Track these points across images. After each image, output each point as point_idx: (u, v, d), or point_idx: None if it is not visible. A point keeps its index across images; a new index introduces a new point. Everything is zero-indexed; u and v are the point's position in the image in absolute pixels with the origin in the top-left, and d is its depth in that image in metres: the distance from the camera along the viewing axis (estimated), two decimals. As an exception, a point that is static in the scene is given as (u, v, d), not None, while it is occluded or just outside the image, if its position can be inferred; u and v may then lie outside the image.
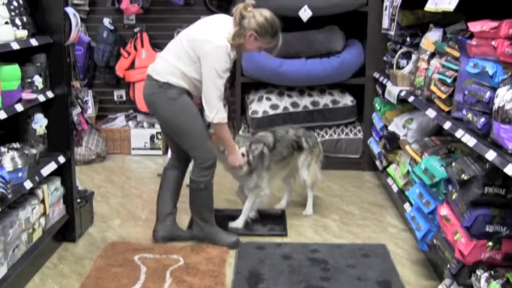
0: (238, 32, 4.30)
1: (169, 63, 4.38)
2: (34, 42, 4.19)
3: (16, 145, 4.10)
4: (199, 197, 4.59)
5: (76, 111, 4.79)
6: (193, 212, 4.72)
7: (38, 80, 4.28)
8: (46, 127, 4.47)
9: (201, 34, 4.32)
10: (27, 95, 4.11)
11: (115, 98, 8.15)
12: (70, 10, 4.55)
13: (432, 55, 4.56)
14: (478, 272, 3.22)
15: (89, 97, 7.34)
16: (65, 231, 4.70)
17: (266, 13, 4.35)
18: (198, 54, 4.27)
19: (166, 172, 4.83)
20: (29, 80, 4.23)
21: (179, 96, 4.36)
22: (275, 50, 4.56)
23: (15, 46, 3.93)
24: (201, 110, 4.44)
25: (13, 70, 3.97)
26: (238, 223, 5.00)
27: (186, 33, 4.44)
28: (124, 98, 8.12)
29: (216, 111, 4.30)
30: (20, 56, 4.15)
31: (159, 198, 4.83)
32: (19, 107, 3.95)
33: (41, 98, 4.26)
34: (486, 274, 3.15)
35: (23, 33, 4.07)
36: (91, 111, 7.38)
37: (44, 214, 4.31)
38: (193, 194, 4.62)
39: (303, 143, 5.31)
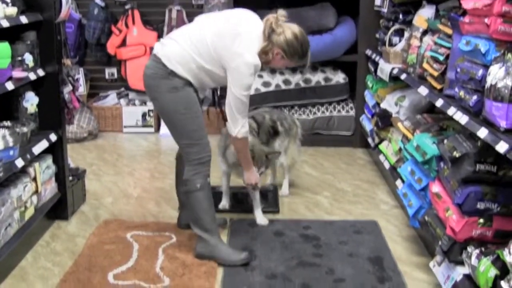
0: (266, 48, 3.94)
1: (186, 52, 3.93)
2: (24, 19, 4.16)
3: (7, 123, 4.09)
4: (196, 200, 4.09)
5: (67, 89, 4.77)
6: (192, 223, 4.20)
7: (28, 58, 4.26)
8: (37, 105, 4.45)
9: (233, 44, 3.87)
10: (17, 73, 4.09)
11: (107, 76, 8.12)
12: (60, -13, 4.51)
13: (425, 33, 4.56)
14: (469, 248, 3.24)
15: (80, 75, 7.31)
16: (57, 209, 4.69)
17: (296, 30, 3.99)
18: (224, 64, 3.91)
19: (179, 159, 4.47)
20: (20, 58, 4.20)
21: (183, 87, 3.96)
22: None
23: (5, 23, 3.90)
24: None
25: (3, 48, 3.93)
26: (262, 220, 4.77)
27: (212, 29, 3.95)
28: (116, 76, 8.09)
29: (240, 126, 4.02)
30: (10, 34, 4.13)
31: (177, 186, 4.60)
32: (9, 86, 3.92)
33: (32, 76, 4.24)
34: (477, 251, 3.17)
35: (12, 10, 4.04)
36: (82, 89, 7.35)
37: (36, 192, 4.30)
38: (189, 198, 4.14)
39: (278, 127, 5.16)
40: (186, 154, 4.09)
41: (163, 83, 3.96)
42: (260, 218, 4.76)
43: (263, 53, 3.94)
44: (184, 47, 3.93)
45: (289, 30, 3.95)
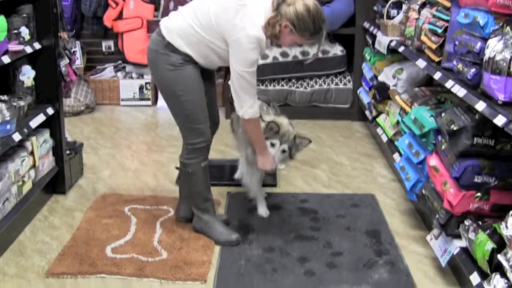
0: (273, 19, 3.58)
1: (188, 25, 3.68)
2: (19, -8, 4.13)
3: (4, 97, 4.07)
4: (188, 182, 4.03)
5: (64, 62, 4.75)
6: (186, 198, 4.20)
7: (24, 32, 4.23)
8: (34, 78, 4.43)
9: (235, 17, 3.58)
10: (13, 46, 4.06)
11: (103, 49, 8.07)
12: (56, -41, 4.47)
13: (423, 5, 4.53)
14: (466, 222, 3.25)
15: (77, 48, 7.28)
16: (55, 183, 4.70)
17: (310, 3, 3.58)
18: (225, 37, 3.63)
19: None
20: (16, 31, 4.16)
21: (182, 65, 3.71)
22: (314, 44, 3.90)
23: (0, -4, 3.87)
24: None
25: (-1, 21, 3.91)
26: (263, 211, 4.48)
27: (217, 1, 3.69)
28: (113, 49, 8.04)
29: (248, 106, 3.71)
30: (5, 7, 4.09)
31: (178, 178, 4.51)
32: (5, 59, 3.89)
33: (28, 49, 4.21)
34: (474, 224, 3.18)
35: (8, -17, 4.00)
36: (79, 62, 7.33)
37: (33, 166, 4.30)
38: (182, 178, 4.14)
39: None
40: (182, 136, 3.94)
41: (161, 59, 3.73)
42: (261, 208, 4.49)
43: (269, 25, 3.59)
44: (187, 20, 3.69)
45: (301, 1, 3.56)
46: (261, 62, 6.76)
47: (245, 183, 4.50)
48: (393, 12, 5.55)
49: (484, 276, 3.00)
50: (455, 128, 3.34)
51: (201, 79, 3.84)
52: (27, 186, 4.20)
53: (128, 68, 7.71)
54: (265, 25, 3.60)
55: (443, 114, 3.59)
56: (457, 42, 3.42)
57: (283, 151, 4.16)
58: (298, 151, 4.29)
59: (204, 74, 3.89)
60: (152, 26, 7.00)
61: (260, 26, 3.59)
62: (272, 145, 4.12)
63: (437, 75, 3.82)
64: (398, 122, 4.92)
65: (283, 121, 4.25)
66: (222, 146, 5.72)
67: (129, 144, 6.11)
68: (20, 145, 4.14)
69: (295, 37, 3.65)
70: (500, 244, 2.88)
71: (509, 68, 2.86)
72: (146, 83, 7.45)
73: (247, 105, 3.72)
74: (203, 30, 3.67)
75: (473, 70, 3.23)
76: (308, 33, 3.62)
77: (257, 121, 3.87)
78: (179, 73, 3.73)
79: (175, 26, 3.72)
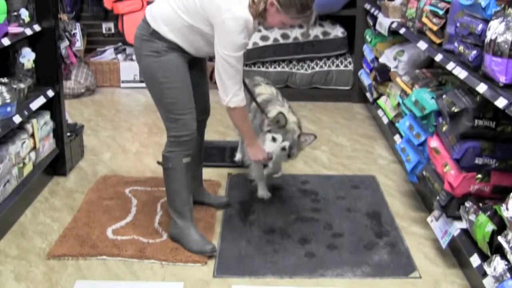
0: None
1: (173, 10, 3.45)
2: (19, -27, 4.11)
3: (4, 79, 4.06)
4: (167, 178, 3.75)
5: (64, 44, 4.74)
6: (167, 198, 3.89)
7: (24, 13, 4.21)
8: (34, 61, 4.42)
9: None
10: (13, 28, 4.04)
11: (104, 31, 8.04)
12: None
13: (424, -14, 4.51)
14: (467, 204, 3.26)
15: (77, 30, 7.25)
16: (56, 165, 4.70)
17: None
18: (211, 20, 3.38)
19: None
20: (15, 13, 4.16)
21: (166, 52, 3.48)
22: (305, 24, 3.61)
23: (0, -22, 3.85)
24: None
25: (-2, 3, 3.90)
26: (263, 193, 4.43)
27: None
28: (113, 31, 8.01)
29: (232, 94, 3.46)
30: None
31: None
32: (5, 41, 3.88)
33: (28, 31, 4.20)
34: (475, 206, 3.18)
35: (7, -35, 3.99)
36: (79, 44, 7.29)
37: (34, 148, 4.30)
38: (163, 175, 3.79)
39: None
40: (165, 127, 3.68)
41: (145, 45, 3.52)
42: (262, 190, 4.45)
43: (254, 3, 3.33)
44: (172, 5, 3.46)
45: None
46: (261, 43, 6.75)
47: (247, 163, 4.47)
48: (395, -7, 5.53)
49: (484, 257, 3.01)
50: (456, 110, 3.34)
51: (187, 67, 3.61)
52: (28, 168, 4.20)
53: (129, 50, 7.69)
54: (249, 3, 3.33)
55: (444, 96, 3.59)
56: (458, 24, 3.40)
57: (283, 149, 3.99)
58: (301, 150, 4.13)
59: (193, 63, 3.70)
60: (152, 7, 6.96)
61: (247, 6, 3.34)
62: (274, 139, 3.95)
63: (438, 57, 3.81)
64: (399, 104, 4.92)
65: (291, 118, 4.09)
66: (223, 128, 5.72)
67: (130, 126, 6.11)
68: (21, 127, 4.14)
69: (282, 16, 3.37)
70: (501, 226, 2.88)
71: (510, 50, 2.85)
72: (147, 65, 7.42)
73: (231, 92, 3.47)
74: (188, 15, 3.42)
75: (474, 52, 3.21)
76: (295, 10, 3.31)
77: (243, 109, 3.62)
78: (162, 60, 3.49)
79: (159, 13, 3.49)
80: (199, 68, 3.84)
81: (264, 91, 4.39)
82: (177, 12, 3.44)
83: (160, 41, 3.48)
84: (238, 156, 4.91)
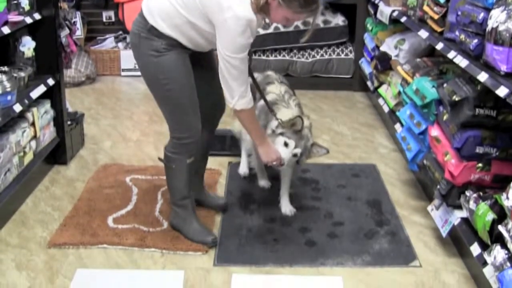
0: None
1: (171, 4, 3.26)
2: (18, -39, 4.09)
3: (4, 68, 4.05)
4: (168, 173, 3.68)
5: (64, 32, 4.73)
6: (168, 190, 3.82)
7: (24, 2, 4.20)
8: (34, 49, 4.41)
9: None
10: (13, 17, 4.03)
11: (104, 19, 8.03)
12: None
13: (425, -26, 4.49)
14: (467, 193, 3.26)
15: (77, 18, 7.24)
16: (56, 154, 4.70)
17: None
18: (210, 17, 3.19)
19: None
20: (15, 1, 4.14)
21: (167, 50, 3.31)
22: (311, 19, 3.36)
23: (-1, -34, 3.84)
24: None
25: (-2, -9, 3.89)
26: (287, 209, 4.09)
27: None
28: (113, 19, 8.00)
29: (238, 96, 3.26)
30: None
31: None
32: (5, 30, 3.87)
33: (28, 20, 4.19)
34: (475, 195, 3.18)
35: (7, -47, 3.97)
36: (79, 32, 7.29)
37: (34, 137, 4.30)
38: (165, 170, 3.70)
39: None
40: (168, 127, 3.56)
41: (144, 44, 3.35)
42: (286, 206, 4.10)
43: None
44: (171, 1, 3.26)
45: None
46: (262, 32, 6.73)
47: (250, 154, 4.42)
48: (395, -19, 5.51)
49: (485, 246, 3.01)
50: (457, 99, 3.33)
51: (189, 64, 3.43)
52: (28, 157, 4.20)
53: (129, 38, 7.66)
54: (251, 0, 3.12)
55: (445, 85, 3.58)
56: (459, 12, 3.39)
57: (294, 155, 3.71)
58: (309, 158, 3.88)
59: (197, 55, 3.51)
60: (152, -5, 6.94)
61: (249, 3, 3.11)
62: (286, 144, 3.66)
63: (439, 46, 3.80)
64: (399, 93, 4.91)
65: (307, 122, 3.84)
66: (223, 116, 5.69)
67: (130, 115, 6.10)
68: (21, 116, 4.14)
69: (284, 11, 3.13)
70: (501, 215, 2.88)
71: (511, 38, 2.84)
72: (147, 53, 7.41)
73: (237, 94, 3.26)
74: (187, 12, 3.23)
75: (475, 40, 3.20)
76: (297, 3, 3.09)
77: (251, 111, 3.41)
78: (163, 60, 3.32)
79: (157, 8, 3.30)
80: (205, 60, 3.63)
81: (274, 90, 4.09)
82: (175, 7, 3.25)
83: (159, 38, 3.30)
84: (243, 170, 4.64)
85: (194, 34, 3.31)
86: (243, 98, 3.28)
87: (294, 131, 3.68)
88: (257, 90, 3.83)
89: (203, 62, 3.60)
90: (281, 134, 3.68)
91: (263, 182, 4.42)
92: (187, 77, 3.41)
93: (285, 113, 3.83)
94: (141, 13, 3.38)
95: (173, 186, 3.71)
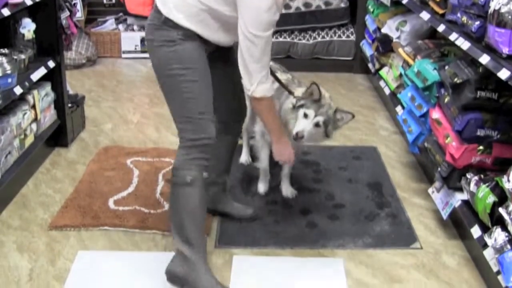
0: None
1: None
2: None
3: (4, 50, 4.04)
4: (182, 197, 3.02)
5: (64, 14, 4.70)
6: (172, 225, 3.11)
7: (24, -17, 4.18)
8: (35, 31, 4.38)
9: None
10: (13, -2, 4.02)
11: (104, 1, 7.97)
12: None
13: (427, -44, 4.47)
14: (468, 175, 3.26)
15: (77, 0, 7.20)
16: (57, 137, 4.70)
17: None
18: None
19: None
20: (15, -17, 4.12)
21: (182, 41, 2.94)
22: None
23: None
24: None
25: (-2, -27, 3.86)
26: (288, 191, 4.09)
27: None
28: (114, 1, 7.94)
29: (257, 82, 2.96)
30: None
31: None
32: (5, 12, 3.84)
33: (28, 1, 4.15)
34: (476, 178, 3.18)
35: None
36: (80, 14, 7.25)
37: (35, 119, 4.29)
38: (173, 192, 3.08)
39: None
40: (179, 130, 3.07)
41: (157, 34, 2.99)
42: (287, 188, 4.09)
43: None
44: None
45: None
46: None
47: (255, 152, 4.20)
48: (397, -38, 5.49)
49: (485, 229, 3.01)
50: (458, 81, 3.33)
51: (206, 61, 3.06)
52: (29, 140, 4.20)
53: (130, 20, 7.64)
54: None
55: (446, 67, 3.58)
56: (461, -6, 3.38)
57: (317, 125, 3.49)
58: (337, 129, 3.64)
59: (217, 54, 3.21)
60: (153, -23, 6.92)
61: None
62: (305, 116, 3.47)
63: (441, 28, 3.79)
64: (401, 75, 4.90)
65: (326, 93, 3.63)
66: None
67: (131, 97, 6.09)
68: (22, 98, 4.13)
69: None
70: (502, 198, 2.89)
71: (514, 20, 2.84)
72: (148, 35, 7.39)
73: (257, 80, 2.96)
74: None
75: (477, 22, 3.19)
76: None
77: (270, 100, 3.11)
78: (179, 49, 2.96)
79: None
80: (226, 58, 3.32)
81: (280, 77, 3.79)
82: None
83: (175, 29, 2.94)
84: (244, 158, 4.57)
85: (213, 23, 2.99)
86: (262, 84, 2.99)
87: (313, 100, 3.49)
88: (271, 74, 3.40)
89: (221, 60, 3.29)
90: (301, 106, 3.49)
91: (261, 187, 4.14)
92: (205, 72, 3.03)
93: (300, 91, 3.66)
94: (155, 7, 3.02)
95: (187, 214, 3.04)
